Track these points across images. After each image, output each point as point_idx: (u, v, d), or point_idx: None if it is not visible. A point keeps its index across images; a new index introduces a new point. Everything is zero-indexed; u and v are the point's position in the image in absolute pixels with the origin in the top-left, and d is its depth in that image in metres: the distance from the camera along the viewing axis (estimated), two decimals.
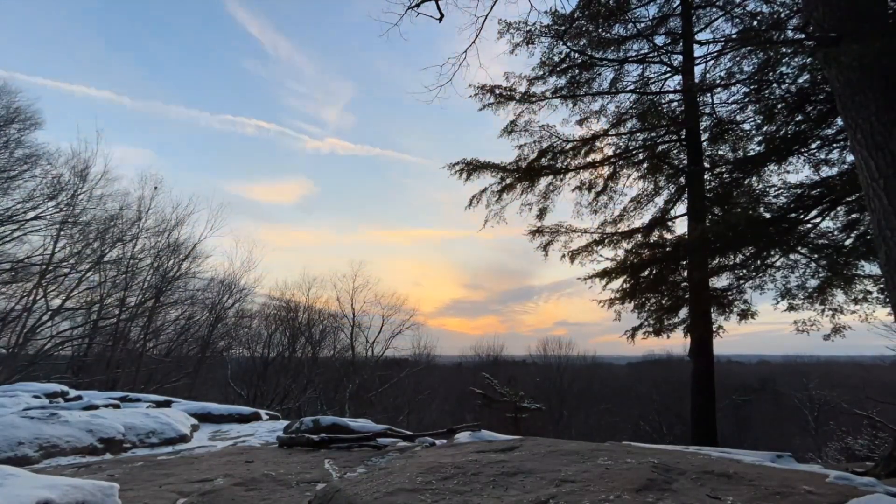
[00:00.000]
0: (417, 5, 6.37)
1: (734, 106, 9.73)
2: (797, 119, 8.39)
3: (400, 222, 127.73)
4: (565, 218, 10.96)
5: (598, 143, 10.48)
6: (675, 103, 10.36)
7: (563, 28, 9.52)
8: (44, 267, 16.63)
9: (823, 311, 9.07)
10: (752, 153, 9.51)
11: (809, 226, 8.75)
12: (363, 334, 28.22)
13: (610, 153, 10.58)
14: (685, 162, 10.21)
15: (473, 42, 6.98)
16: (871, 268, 8.40)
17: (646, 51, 10.51)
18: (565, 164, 10.47)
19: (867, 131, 4.22)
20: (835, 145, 8.39)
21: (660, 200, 11.01)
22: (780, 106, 8.48)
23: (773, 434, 30.68)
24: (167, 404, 9.57)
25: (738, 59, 9.07)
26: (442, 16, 6.42)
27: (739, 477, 2.95)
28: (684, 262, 9.97)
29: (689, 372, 9.89)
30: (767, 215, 8.73)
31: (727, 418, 31.02)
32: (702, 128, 10.17)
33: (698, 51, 10.22)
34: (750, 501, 2.52)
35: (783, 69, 8.13)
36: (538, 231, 10.59)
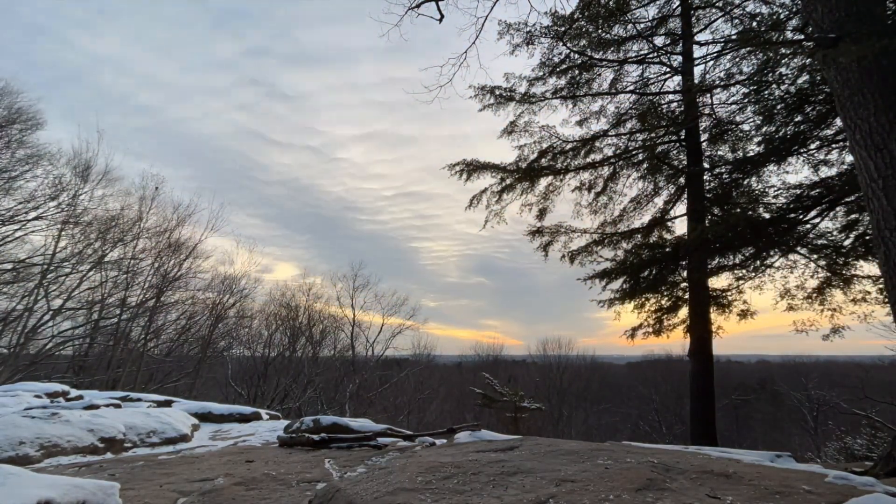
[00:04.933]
0: (418, 6, 6.39)
1: (734, 107, 9.77)
2: (796, 120, 8.41)
3: None
4: (565, 218, 10.98)
5: (597, 144, 10.50)
6: (675, 104, 10.39)
7: (562, 29, 9.54)
8: (45, 267, 16.65)
9: (822, 311, 9.10)
10: (751, 154, 9.54)
11: (808, 226, 8.77)
12: (363, 334, 28.28)
13: (610, 154, 10.61)
14: (685, 162, 10.23)
15: (473, 43, 7.00)
16: (870, 268, 8.43)
17: (645, 51, 10.53)
18: (565, 164, 10.49)
19: (866, 132, 4.23)
20: (834, 146, 8.41)
21: (659, 201, 11.06)
22: (779, 107, 8.50)
23: (773, 434, 30.70)
24: (168, 404, 9.57)
25: (737, 59, 9.10)
26: (442, 16, 6.45)
27: (739, 476, 2.97)
28: (684, 263, 9.99)
29: (689, 372, 9.91)
30: (767, 216, 8.76)
31: (727, 418, 31.06)
32: (701, 128, 10.19)
33: (698, 52, 10.25)
34: (749, 501, 2.53)
35: (782, 70, 8.15)
36: (538, 231, 10.61)
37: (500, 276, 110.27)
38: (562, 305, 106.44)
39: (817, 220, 8.62)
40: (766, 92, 8.70)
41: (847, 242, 8.55)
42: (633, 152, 10.56)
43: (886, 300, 4.69)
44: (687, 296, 10.09)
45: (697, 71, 10.32)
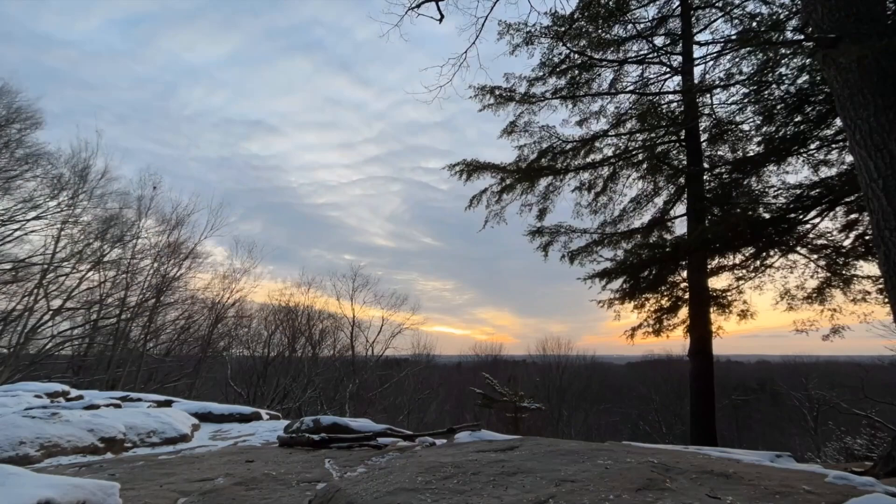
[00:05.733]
0: (418, 6, 6.39)
1: (733, 107, 9.76)
2: (796, 120, 8.41)
3: None
4: (565, 218, 10.98)
5: (597, 144, 10.50)
6: (675, 104, 10.38)
7: (562, 29, 9.53)
8: (45, 267, 16.66)
9: (822, 311, 9.10)
10: (751, 154, 9.54)
11: (808, 226, 8.77)
12: (363, 334, 28.26)
13: (610, 154, 10.61)
14: (685, 162, 10.23)
15: (473, 43, 7.00)
16: (870, 268, 8.43)
17: (645, 52, 10.54)
18: (565, 164, 10.49)
19: (866, 132, 4.23)
20: (834, 146, 8.41)
21: (659, 201, 11.06)
22: (779, 107, 8.50)
23: (773, 434, 30.69)
24: (168, 404, 9.57)
25: (737, 60, 9.09)
26: (442, 17, 6.45)
27: (739, 477, 2.96)
28: (684, 263, 9.99)
29: (689, 372, 9.91)
30: (766, 216, 8.76)
31: (726, 418, 31.03)
32: (701, 128, 10.19)
33: (698, 52, 10.25)
34: (749, 501, 2.53)
35: (782, 70, 8.16)
36: (538, 231, 10.61)
37: (448, 232, 77.37)
38: (549, 288, 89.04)
39: (817, 220, 8.63)
40: (766, 92, 8.70)
41: (847, 242, 8.56)
42: (633, 152, 10.56)
43: (886, 300, 4.70)
44: (687, 296, 10.08)
45: (697, 71, 10.33)
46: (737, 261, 9.79)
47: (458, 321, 77.62)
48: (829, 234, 8.74)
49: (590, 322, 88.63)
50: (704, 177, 9.97)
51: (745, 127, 9.69)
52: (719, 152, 10.43)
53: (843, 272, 8.67)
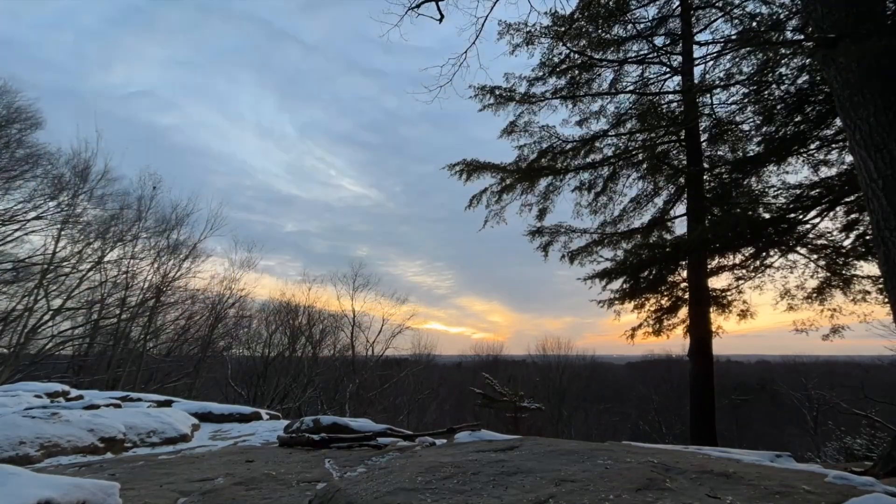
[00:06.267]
0: (418, 6, 6.38)
1: (733, 107, 9.76)
2: (796, 120, 8.41)
3: None
4: (565, 218, 10.98)
5: (597, 144, 10.49)
6: (675, 104, 10.37)
7: (562, 29, 9.52)
8: (45, 267, 16.66)
9: (822, 311, 9.10)
10: (751, 154, 9.53)
11: (808, 226, 8.77)
12: (363, 334, 28.27)
13: (610, 154, 10.60)
14: (685, 162, 10.23)
15: (473, 43, 6.99)
16: (870, 268, 8.44)
17: (645, 52, 10.54)
18: (565, 164, 10.49)
19: (866, 132, 4.23)
20: (834, 146, 8.41)
21: (659, 201, 11.07)
22: (779, 107, 8.50)
23: (772, 434, 30.69)
24: (168, 404, 9.57)
25: (737, 60, 9.10)
26: (442, 17, 6.44)
27: (738, 476, 2.96)
28: (684, 263, 9.99)
29: (689, 372, 9.91)
30: (766, 216, 8.76)
31: (726, 418, 31.00)
32: (701, 128, 10.19)
33: (698, 52, 10.25)
34: (749, 501, 2.53)
35: (782, 70, 8.15)
36: (538, 231, 10.61)
37: (371, 164, 55.93)
38: (543, 272, 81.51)
39: (817, 220, 8.62)
40: (766, 92, 8.70)
41: (847, 242, 8.56)
42: (633, 152, 10.56)
43: (886, 300, 4.69)
44: (687, 296, 10.08)
45: (697, 71, 10.33)
46: (737, 261, 9.79)
47: (447, 316, 69.87)
48: (829, 234, 8.75)
49: (589, 318, 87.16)
50: (704, 177, 9.97)
51: (745, 127, 9.70)
52: (719, 152, 10.44)
53: (843, 272, 8.67)
